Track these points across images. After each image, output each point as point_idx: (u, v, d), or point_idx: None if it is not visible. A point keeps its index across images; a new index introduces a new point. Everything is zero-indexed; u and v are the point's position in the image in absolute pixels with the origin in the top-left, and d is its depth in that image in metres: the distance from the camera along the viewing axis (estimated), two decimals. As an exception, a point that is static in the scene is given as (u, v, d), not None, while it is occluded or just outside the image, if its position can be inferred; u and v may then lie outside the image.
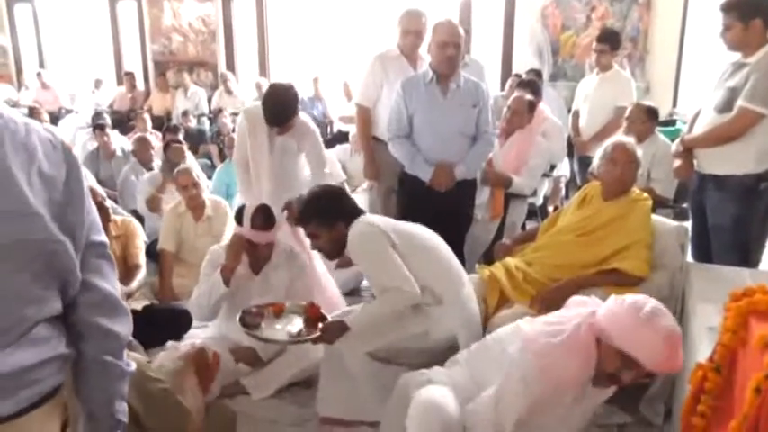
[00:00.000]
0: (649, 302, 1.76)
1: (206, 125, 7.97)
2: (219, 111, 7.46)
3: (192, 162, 4.84)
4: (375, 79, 3.71)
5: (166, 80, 8.91)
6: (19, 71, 10.41)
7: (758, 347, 1.42)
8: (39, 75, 9.45)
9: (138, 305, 3.34)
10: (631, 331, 1.71)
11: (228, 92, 8.23)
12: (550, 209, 4.97)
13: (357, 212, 2.56)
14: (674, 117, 6.10)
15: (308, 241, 2.72)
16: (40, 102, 8.75)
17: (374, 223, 2.51)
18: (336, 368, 2.54)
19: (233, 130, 5.77)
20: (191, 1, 8.95)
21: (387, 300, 2.41)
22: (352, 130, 5.74)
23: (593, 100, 4.65)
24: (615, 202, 2.82)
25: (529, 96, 4.08)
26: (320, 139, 3.55)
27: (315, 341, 2.46)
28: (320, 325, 2.46)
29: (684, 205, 3.91)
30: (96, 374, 1.22)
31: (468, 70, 3.83)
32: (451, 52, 3.21)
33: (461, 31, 3.31)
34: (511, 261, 2.90)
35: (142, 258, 3.61)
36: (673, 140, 3.49)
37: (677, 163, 3.21)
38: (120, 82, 9.49)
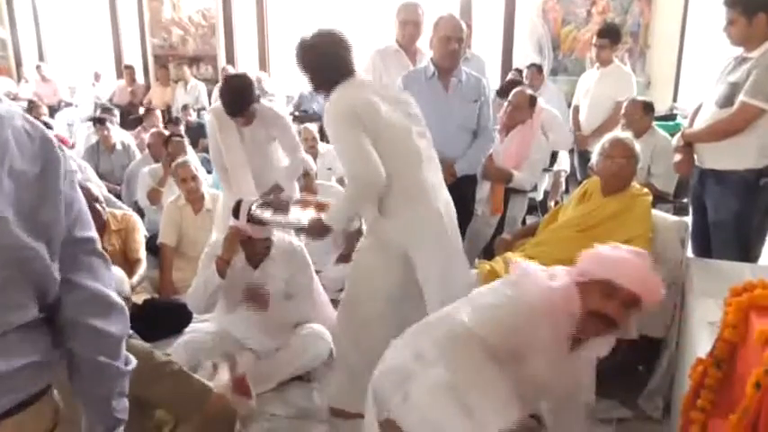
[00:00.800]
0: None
1: (206, 119, 7.95)
2: (219, 105, 7.45)
3: (192, 156, 4.84)
4: (375, 74, 3.71)
5: (168, 73, 8.89)
6: (18, 64, 10.39)
7: (758, 342, 1.42)
8: (38, 68, 9.44)
9: (139, 299, 3.35)
10: (604, 257, 1.80)
11: (229, 86, 8.21)
12: (551, 204, 4.97)
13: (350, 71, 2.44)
14: (675, 112, 6.10)
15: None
16: (39, 95, 8.75)
17: (362, 88, 2.42)
18: (350, 362, 2.57)
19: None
20: (191, -6, 8.95)
21: (351, 187, 2.42)
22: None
23: (594, 95, 4.64)
24: (615, 197, 2.83)
25: (530, 91, 4.08)
26: (290, 124, 3.58)
27: (298, 231, 2.56)
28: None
29: (685, 200, 3.91)
30: (90, 375, 1.18)
31: (470, 65, 3.82)
32: (454, 47, 3.20)
33: (464, 25, 3.30)
34: (511, 256, 2.90)
35: (143, 253, 3.61)
36: (673, 135, 3.49)
37: (677, 158, 3.21)
38: (119, 75, 9.47)
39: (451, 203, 2.59)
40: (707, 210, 3.10)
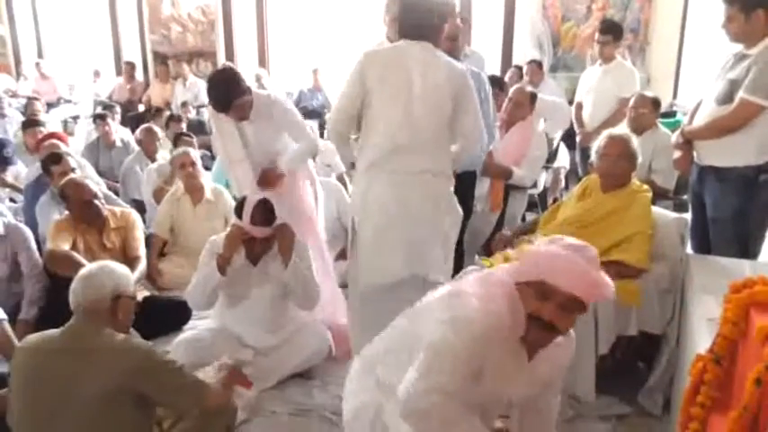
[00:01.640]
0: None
1: (205, 116, 7.95)
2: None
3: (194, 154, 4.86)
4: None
5: (167, 70, 8.88)
6: (17, 61, 10.38)
7: (758, 339, 1.42)
8: (37, 65, 9.44)
9: (138, 297, 3.35)
10: (538, 255, 1.64)
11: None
12: (550, 200, 4.97)
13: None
14: (675, 109, 6.09)
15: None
16: (38, 92, 8.74)
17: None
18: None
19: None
20: (190, -9, 8.93)
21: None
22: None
23: (598, 91, 4.64)
24: (615, 194, 2.82)
25: (529, 88, 4.07)
26: (290, 105, 3.39)
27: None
28: None
29: (684, 197, 3.91)
30: None
31: (469, 62, 3.81)
32: (447, 45, 3.16)
33: (459, 21, 3.28)
34: (511, 252, 2.90)
35: (142, 250, 3.62)
36: (673, 132, 3.49)
37: (677, 154, 3.20)
38: (118, 72, 9.46)
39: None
40: (706, 206, 3.10)
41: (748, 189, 2.92)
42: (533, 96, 4.02)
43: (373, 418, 1.77)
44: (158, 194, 4.51)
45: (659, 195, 3.58)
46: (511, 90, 4.11)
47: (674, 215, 2.96)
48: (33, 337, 2.03)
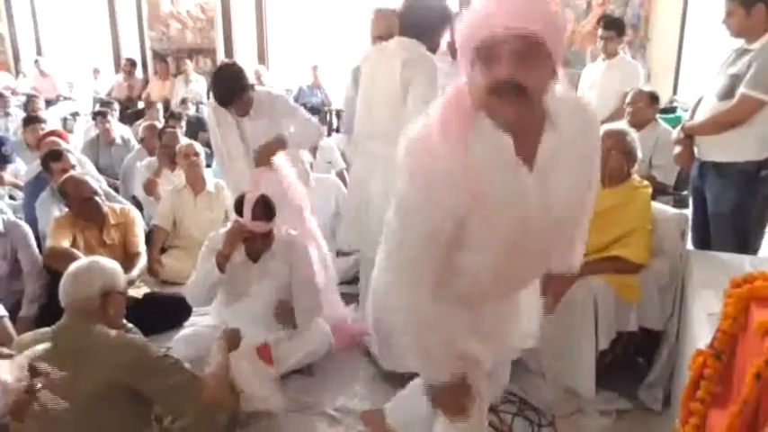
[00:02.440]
0: None
1: (204, 113, 7.94)
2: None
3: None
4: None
5: (167, 67, 8.86)
6: (16, 59, 10.37)
7: (759, 334, 1.41)
8: (36, 62, 9.43)
9: (139, 293, 3.35)
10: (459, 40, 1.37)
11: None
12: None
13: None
14: (675, 104, 6.08)
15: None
16: (38, 89, 8.72)
17: None
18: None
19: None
20: (189, -12, 8.92)
21: None
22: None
23: (601, 86, 4.62)
24: (615, 189, 2.81)
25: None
26: (292, 103, 3.45)
27: None
28: None
29: (685, 192, 3.91)
30: None
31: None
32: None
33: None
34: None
35: (142, 246, 3.62)
36: (673, 128, 3.48)
37: (678, 150, 3.20)
38: (117, 70, 9.44)
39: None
40: (707, 202, 3.10)
41: (749, 184, 2.92)
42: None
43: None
44: (148, 187, 4.59)
45: (659, 191, 3.57)
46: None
47: (675, 211, 2.95)
48: (27, 336, 2.03)
